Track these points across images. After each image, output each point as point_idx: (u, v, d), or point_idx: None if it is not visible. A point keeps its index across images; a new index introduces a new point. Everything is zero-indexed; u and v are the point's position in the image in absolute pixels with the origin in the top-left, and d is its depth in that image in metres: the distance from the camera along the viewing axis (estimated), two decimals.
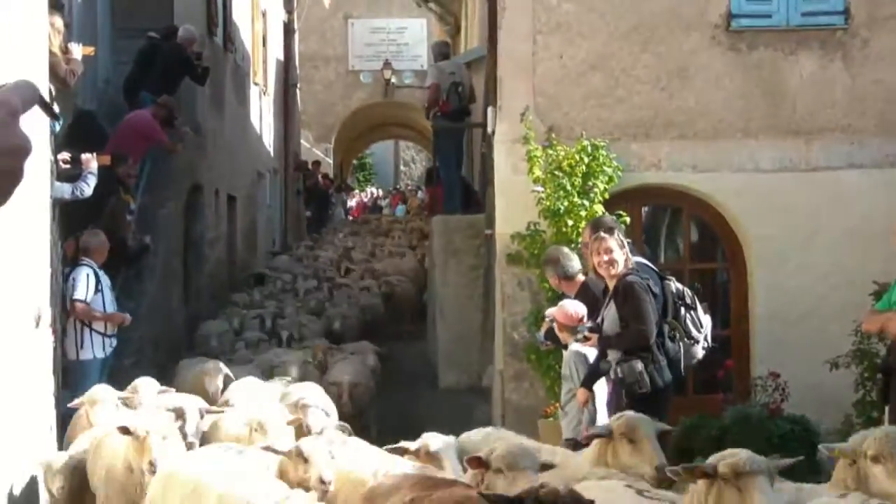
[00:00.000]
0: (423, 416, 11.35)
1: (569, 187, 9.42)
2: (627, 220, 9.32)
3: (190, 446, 6.46)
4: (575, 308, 7.60)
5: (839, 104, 9.93)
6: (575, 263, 8.20)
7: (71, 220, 9.82)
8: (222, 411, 7.15)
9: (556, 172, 9.50)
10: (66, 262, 9.36)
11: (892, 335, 6.53)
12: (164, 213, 13.42)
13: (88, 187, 9.71)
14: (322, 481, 5.45)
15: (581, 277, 8.14)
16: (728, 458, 4.56)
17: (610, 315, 7.16)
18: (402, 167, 44.37)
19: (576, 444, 7.00)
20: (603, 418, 7.36)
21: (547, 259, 8.56)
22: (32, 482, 6.98)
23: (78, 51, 9.62)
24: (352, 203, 35.28)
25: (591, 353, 7.40)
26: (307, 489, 5.42)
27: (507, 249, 9.90)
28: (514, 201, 9.87)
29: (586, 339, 7.32)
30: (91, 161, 9.88)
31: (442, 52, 15.53)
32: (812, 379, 8.64)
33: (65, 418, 7.88)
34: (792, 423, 7.98)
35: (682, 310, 7.23)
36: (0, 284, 6.57)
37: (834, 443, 8.03)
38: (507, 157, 10.00)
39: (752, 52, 9.96)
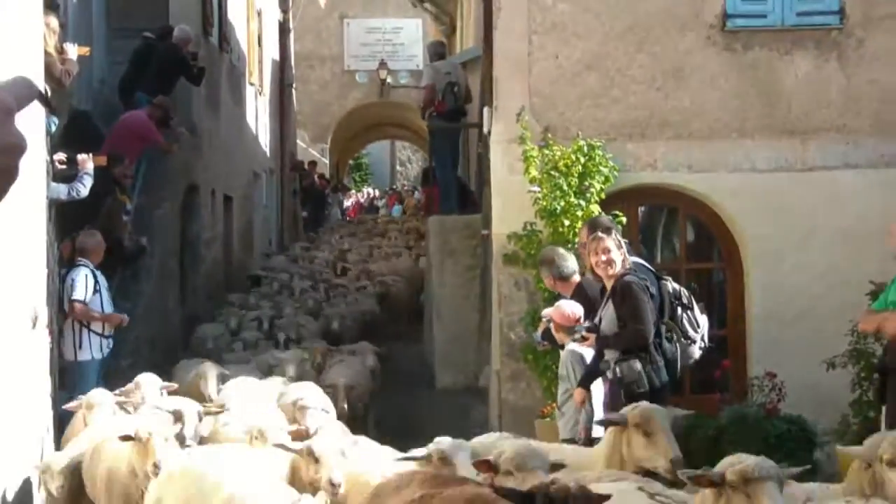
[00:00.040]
0: (421, 417, 11.35)
1: (565, 187, 9.42)
2: (624, 220, 9.32)
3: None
4: (572, 308, 7.60)
5: (834, 104, 9.94)
6: (570, 264, 8.20)
7: (67, 220, 9.81)
8: (220, 410, 7.14)
9: (553, 172, 9.51)
10: (63, 262, 9.35)
11: (888, 335, 6.54)
12: (160, 213, 13.41)
13: (84, 188, 9.71)
14: (332, 483, 5.45)
15: (576, 278, 8.14)
16: (736, 464, 4.44)
17: (608, 315, 7.16)
18: (398, 167, 44.38)
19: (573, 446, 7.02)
20: (599, 418, 7.36)
21: (542, 260, 8.56)
22: (27, 484, 6.96)
23: (73, 51, 9.61)
24: (348, 203, 35.27)
25: (588, 353, 7.40)
26: (318, 490, 5.42)
27: (504, 249, 9.90)
28: (511, 201, 9.87)
29: (584, 339, 7.32)
30: (87, 162, 9.87)
31: (437, 52, 15.53)
32: (809, 379, 8.65)
33: (62, 420, 7.87)
34: (789, 423, 7.98)
35: (679, 310, 7.24)
36: None
37: (831, 442, 8.08)
38: (504, 158, 10.00)
39: (748, 52, 9.97)
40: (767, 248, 9.86)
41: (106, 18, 14.48)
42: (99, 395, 7.46)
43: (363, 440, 6.69)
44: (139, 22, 14.24)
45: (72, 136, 11.36)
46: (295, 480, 5.69)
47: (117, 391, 7.92)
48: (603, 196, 9.55)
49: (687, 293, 7.38)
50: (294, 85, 26.95)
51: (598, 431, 7.31)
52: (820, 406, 8.45)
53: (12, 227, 6.76)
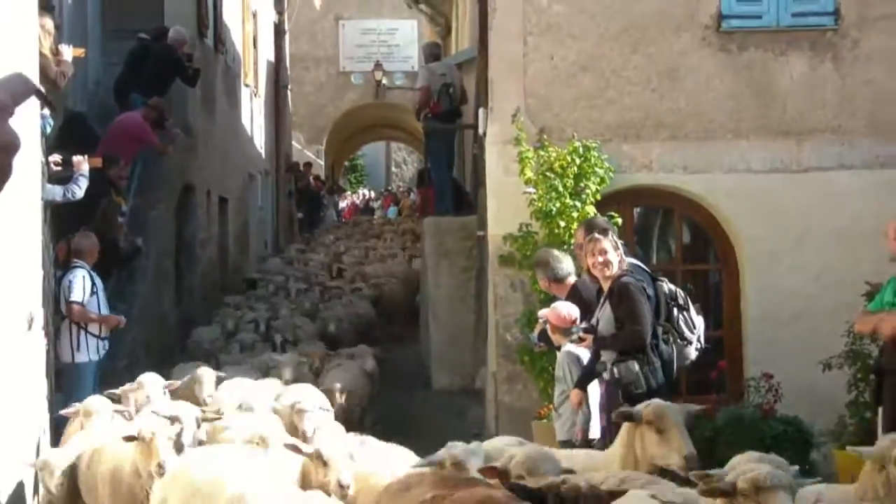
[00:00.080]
0: (417, 418, 11.36)
1: (560, 188, 9.42)
2: (619, 221, 9.32)
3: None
4: (568, 310, 7.59)
5: (829, 105, 9.95)
6: (565, 266, 8.19)
7: (62, 222, 9.80)
8: (218, 417, 7.11)
9: (548, 174, 9.51)
10: (58, 264, 9.33)
11: (884, 336, 6.55)
12: (155, 214, 13.41)
13: (80, 189, 9.70)
14: (340, 485, 5.44)
15: (571, 280, 8.13)
16: (748, 472, 4.36)
17: (605, 316, 7.16)
18: (393, 168, 44.36)
19: (570, 447, 7.02)
20: (596, 420, 7.36)
21: (537, 261, 8.56)
22: (21, 486, 6.95)
23: (68, 52, 9.60)
24: (343, 205, 35.26)
25: (584, 354, 7.40)
26: (328, 493, 5.40)
27: (500, 251, 9.90)
28: (506, 203, 9.87)
29: (581, 340, 7.31)
30: (82, 163, 9.86)
31: (433, 53, 15.52)
32: (805, 380, 8.65)
33: (58, 422, 7.85)
34: (785, 424, 8.00)
35: (675, 311, 7.24)
36: None
37: (828, 443, 8.10)
38: (499, 159, 10.00)
39: (743, 53, 9.98)
40: (763, 248, 9.86)
41: (101, 20, 14.47)
42: (97, 403, 7.42)
43: (370, 440, 6.67)
44: (134, 23, 14.24)
45: (67, 137, 11.35)
46: (305, 484, 5.67)
47: (119, 389, 7.91)
48: (598, 197, 9.55)
49: (683, 294, 7.38)
50: (289, 86, 26.95)
51: (594, 432, 7.32)
52: (816, 407, 8.46)
53: (8, 228, 6.75)
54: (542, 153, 9.58)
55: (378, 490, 5.38)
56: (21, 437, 7.00)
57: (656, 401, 5.91)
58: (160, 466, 5.92)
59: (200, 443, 6.69)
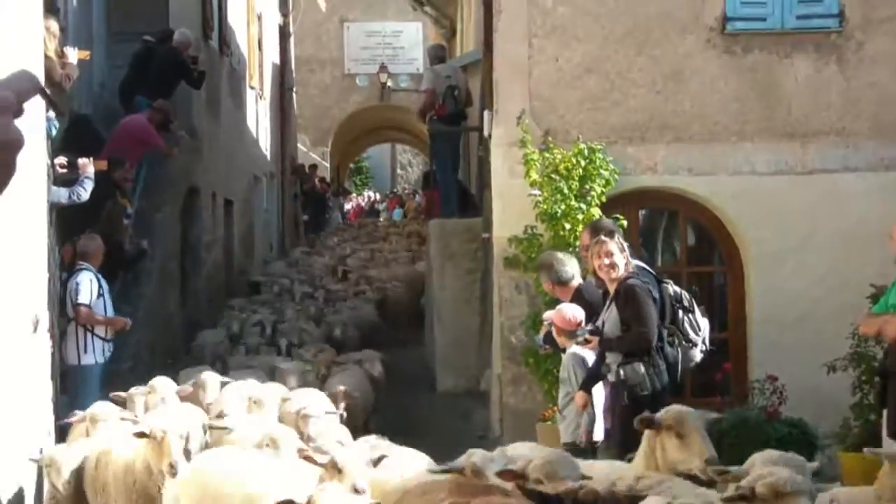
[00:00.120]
0: (422, 420, 11.36)
1: (566, 190, 9.43)
2: (624, 223, 9.32)
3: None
4: (573, 312, 7.60)
5: (834, 107, 9.95)
6: (569, 269, 8.18)
7: (68, 224, 9.81)
8: (226, 427, 7.09)
9: (553, 176, 9.51)
10: (63, 266, 9.35)
11: (889, 338, 6.53)
12: (160, 216, 13.43)
13: (85, 192, 9.71)
14: (356, 490, 5.40)
15: (575, 283, 8.13)
16: (767, 476, 4.30)
17: (611, 318, 7.16)
18: (398, 171, 44.39)
19: (575, 449, 7.01)
20: (601, 422, 7.37)
21: (540, 264, 8.56)
22: (25, 488, 6.95)
23: (73, 55, 9.61)
24: (348, 207, 35.29)
25: (590, 356, 7.40)
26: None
27: (505, 253, 9.90)
28: (512, 205, 9.88)
29: (587, 341, 7.31)
30: (88, 165, 9.88)
31: (438, 55, 15.52)
32: (810, 382, 8.64)
33: (62, 426, 7.84)
34: (790, 427, 7.98)
35: (680, 313, 7.24)
36: None
37: (832, 446, 8.08)
38: (504, 161, 10.01)
39: (748, 55, 9.98)
40: (768, 250, 9.86)
41: (106, 22, 14.49)
42: (104, 410, 7.34)
43: (386, 444, 6.60)
44: (139, 26, 14.26)
45: (72, 140, 11.37)
46: None
47: (127, 392, 7.89)
48: (603, 199, 9.55)
49: (688, 296, 7.38)
50: (294, 88, 26.96)
51: (599, 434, 7.32)
52: (821, 409, 8.44)
53: (13, 231, 6.76)
54: (547, 155, 9.58)
55: (395, 496, 5.32)
56: (26, 439, 7.01)
57: (676, 406, 5.85)
58: (172, 466, 5.84)
59: (206, 445, 6.68)
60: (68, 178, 9.75)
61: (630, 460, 5.86)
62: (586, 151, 9.55)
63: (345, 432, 7.65)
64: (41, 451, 6.89)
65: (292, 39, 26.63)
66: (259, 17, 21.64)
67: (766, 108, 9.96)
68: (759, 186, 9.90)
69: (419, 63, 30.32)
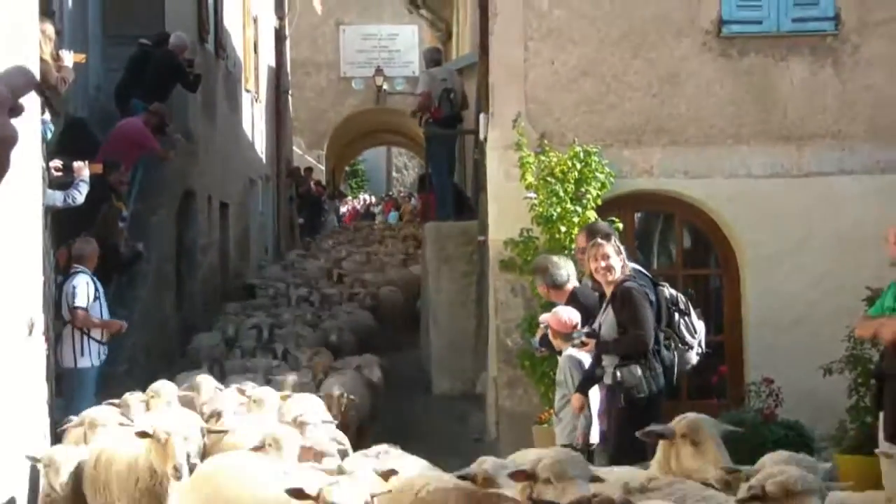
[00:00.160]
0: (418, 423, 11.36)
1: (561, 193, 9.43)
2: (620, 226, 9.32)
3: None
4: (569, 315, 7.60)
5: (830, 110, 9.96)
6: (563, 272, 8.17)
7: (63, 227, 9.80)
8: (225, 431, 7.06)
9: (549, 179, 9.51)
10: (59, 270, 9.33)
11: (885, 341, 6.54)
12: (156, 219, 13.42)
13: (80, 195, 9.70)
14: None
15: (570, 286, 8.13)
16: (777, 475, 4.23)
17: (607, 321, 7.17)
18: (394, 174, 44.36)
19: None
20: (596, 424, 7.37)
21: (535, 268, 8.55)
22: (19, 488, 6.94)
23: (69, 58, 9.60)
24: (344, 210, 35.27)
25: (586, 358, 7.40)
26: None
27: (500, 256, 9.90)
28: (507, 208, 9.87)
29: (584, 344, 7.31)
30: (83, 169, 9.87)
31: (433, 58, 15.53)
32: (806, 384, 8.64)
33: (58, 427, 7.82)
34: (786, 429, 7.99)
35: (676, 315, 7.25)
36: None
37: (829, 448, 8.08)
38: (500, 164, 10.01)
39: (743, 59, 9.99)
40: (763, 253, 9.86)
41: (102, 25, 14.49)
42: (102, 416, 7.29)
43: (397, 452, 6.51)
44: (135, 29, 14.26)
45: (68, 143, 11.36)
46: None
47: (127, 395, 7.87)
48: (599, 202, 9.55)
49: (684, 299, 7.39)
50: (290, 91, 26.94)
51: (595, 437, 7.32)
52: (817, 412, 8.45)
53: (8, 234, 6.75)
54: (542, 158, 9.58)
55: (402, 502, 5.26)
56: (21, 442, 6.99)
57: (691, 414, 5.76)
58: (176, 469, 5.81)
59: (204, 447, 6.65)
60: (63, 182, 9.74)
61: (646, 468, 5.81)
62: (582, 154, 9.55)
63: (342, 437, 7.62)
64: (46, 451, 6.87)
65: (288, 42, 26.62)
66: (255, 20, 21.64)
67: (761, 111, 9.97)
68: (754, 189, 9.91)
69: (415, 66, 30.32)
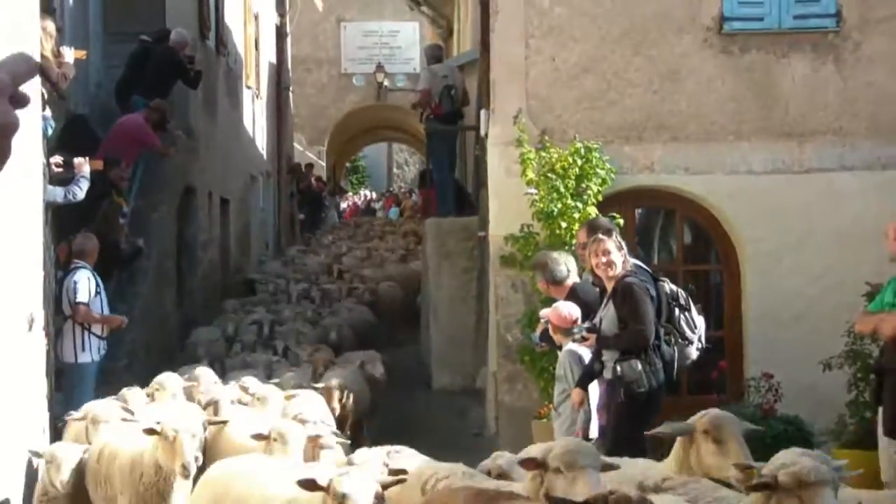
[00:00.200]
0: (417, 418, 11.37)
1: (562, 189, 9.43)
2: (621, 222, 9.33)
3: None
4: (569, 310, 7.61)
5: (831, 106, 9.96)
6: (563, 268, 8.18)
7: (63, 223, 9.81)
8: (225, 422, 7.06)
9: (550, 175, 9.51)
10: (59, 265, 9.35)
11: (884, 336, 6.55)
12: (156, 216, 13.43)
13: (81, 191, 9.71)
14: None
15: (570, 282, 8.14)
16: (789, 466, 4.15)
17: (608, 316, 7.18)
18: (395, 170, 44.39)
19: None
20: (596, 419, 7.38)
21: (535, 264, 8.57)
22: (20, 485, 6.95)
23: (70, 55, 9.61)
24: (345, 206, 35.27)
25: (586, 353, 7.41)
26: None
27: (501, 251, 9.91)
28: (508, 204, 9.88)
29: (584, 339, 7.33)
30: (84, 165, 9.87)
31: (434, 55, 15.53)
32: (805, 380, 8.66)
33: (60, 427, 7.83)
34: (785, 424, 8.01)
35: (677, 311, 7.26)
36: None
37: (828, 443, 8.10)
38: (501, 160, 10.02)
39: (745, 55, 9.99)
40: (764, 249, 9.87)
41: (102, 22, 14.49)
42: (105, 412, 7.28)
43: (405, 449, 6.50)
44: (136, 25, 14.26)
45: (68, 139, 11.37)
46: None
47: (125, 390, 7.88)
48: (600, 198, 9.56)
49: (684, 294, 7.40)
50: (291, 88, 26.95)
51: (594, 432, 7.33)
52: (817, 407, 8.47)
53: (9, 229, 6.76)
54: (543, 154, 9.58)
55: (412, 498, 5.24)
56: (21, 437, 7.01)
57: (713, 410, 5.68)
58: (184, 468, 5.78)
59: (205, 441, 6.66)
60: (64, 178, 9.75)
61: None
62: (583, 150, 9.56)
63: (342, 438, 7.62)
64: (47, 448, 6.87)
65: (289, 39, 26.62)
66: (256, 17, 21.65)
67: (762, 108, 9.97)
68: (755, 185, 9.91)
69: (416, 63, 30.32)
